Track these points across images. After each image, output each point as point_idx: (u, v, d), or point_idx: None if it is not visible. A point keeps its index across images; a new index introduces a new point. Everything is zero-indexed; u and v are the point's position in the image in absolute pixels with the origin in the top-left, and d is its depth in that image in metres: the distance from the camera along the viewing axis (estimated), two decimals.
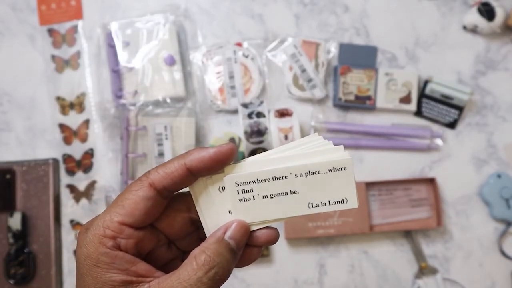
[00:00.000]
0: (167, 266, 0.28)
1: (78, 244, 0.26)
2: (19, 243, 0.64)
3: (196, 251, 0.26)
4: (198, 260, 0.25)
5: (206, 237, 0.27)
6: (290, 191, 0.27)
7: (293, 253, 0.66)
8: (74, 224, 0.67)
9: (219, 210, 0.28)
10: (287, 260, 0.66)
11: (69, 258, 0.66)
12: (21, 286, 0.64)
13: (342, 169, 0.26)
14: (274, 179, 0.27)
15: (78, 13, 0.70)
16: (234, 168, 0.27)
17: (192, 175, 0.27)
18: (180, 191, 0.28)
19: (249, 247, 0.28)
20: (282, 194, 0.27)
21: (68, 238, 0.66)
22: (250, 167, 0.27)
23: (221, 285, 0.25)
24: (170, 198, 0.28)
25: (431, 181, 0.67)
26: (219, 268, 0.25)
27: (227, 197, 0.27)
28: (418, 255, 0.66)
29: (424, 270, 0.66)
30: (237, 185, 0.27)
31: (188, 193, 0.28)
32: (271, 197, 0.27)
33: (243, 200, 0.27)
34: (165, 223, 0.28)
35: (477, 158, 0.69)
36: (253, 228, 0.28)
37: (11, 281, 0.63)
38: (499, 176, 0.67)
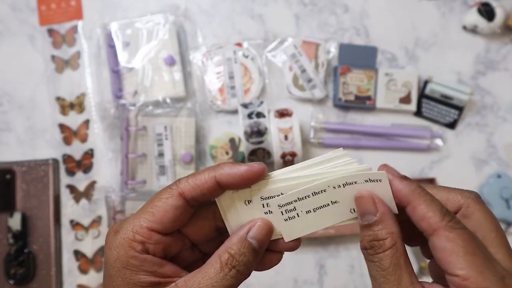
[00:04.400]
0: (191, 267, 0.28)
1: (107, 246, 0.27)
2: (19, 243, 0.64)
3: (220, 250, 0.27)
4: (222, 258, 0.26)
5: None
6: (331, 201, 0.27)
7: (293, 253, 0.66)
8: (74, 224, 0.67)
9: (244, 221, 0.28)
10: (287, 260, 0.66)
11: (69, 259, 0.66)
12: (21, 286, 0.64)
13: (378, 180, 0.27)
14: (314, 194, 0.27)
15: (78, 13, 0.70)
16: (264, 185, 0.28)
17: (220, 188, 0.27)
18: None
19: (270, 252, 0.29)
20: (324, 206, 0.28)
21: (68, 238, 0.66)
22: (278, 184, 0.28)
23: (243, 281, 0.26)
24: (197, 206, 0.29)
25: (431, 181, 0.67)
26: (241, 267, 0.26)
27: (255, 211, 0.28)
28: (418, 255, 0.66)
29: (424, 270, 0.66)
30: (280, 207, 0.28)
31: (214, 202, 0.29)
32: (314, 211, 0.28)
33: (288, 220, 0.28)
34: (191, 229, 0.29)
35: (477, 158, 0.69)
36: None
37: (11, 281, 0.63)
38: (499, 176, 0.67)
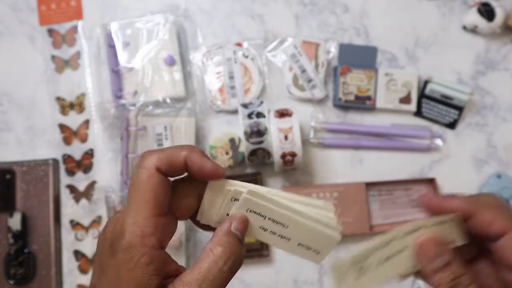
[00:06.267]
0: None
1: (118, 250, 0.25)
2: (19, 244, 0.64)
3: (210, 245, 0.27)
4: (215, 252, 0.26)
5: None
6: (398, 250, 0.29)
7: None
8: (74, 224, 0.67)
9: (221, 213, 0.29)
10: (287, 260, 0.66)
11: (69, 259, 0.66)
12: (21, 286, 0.64)
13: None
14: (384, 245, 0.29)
15: (78, 13, 0.70)
16: (256, 194, 0.29)
17: (186, 170, 0.28)
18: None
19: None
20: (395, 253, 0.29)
21: (68, 238, 0.66)
22: (267, 203, 0.29)
23: (236, 272, 0.27)
24: (179, 183, 0.29)
25: (431, 181, 0.67)
26: (235, 257, 0.27)
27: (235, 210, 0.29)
28: None
29: None
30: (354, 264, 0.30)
31: (193, 179, 0.29)
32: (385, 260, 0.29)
33: (359, 277, 0.30)
34: (179, 207, 0.29)
35: (477, 158, 0.69)
36: None
37: (11, 282, 0.63)
38: (499, 176, 0.67)
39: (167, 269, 0.26)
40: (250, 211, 0.29)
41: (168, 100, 0.66)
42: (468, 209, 0.28)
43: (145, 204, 0.26)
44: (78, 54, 0.69)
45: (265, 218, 0.29)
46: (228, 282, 0.26)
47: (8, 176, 0.65)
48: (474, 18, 0.68)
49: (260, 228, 0.29)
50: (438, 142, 0.69)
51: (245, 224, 0.29)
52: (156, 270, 0.25)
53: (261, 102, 0.63)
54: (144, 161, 0.27)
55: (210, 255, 0.26)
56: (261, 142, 0.60)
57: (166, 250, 0.28)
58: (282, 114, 0.62)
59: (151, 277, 0.25)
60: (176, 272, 0.27)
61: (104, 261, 0.26)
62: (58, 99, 0.69)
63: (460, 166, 0.69)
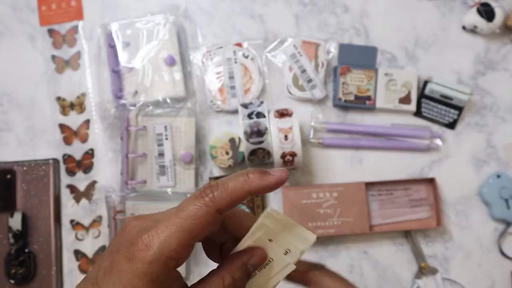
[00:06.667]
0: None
1: (137, 259, 0.25)
2: (20, 243, 0.64)
3: (223, 272, 0.28)
4: (226, 282, 0.27)
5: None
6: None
7: None
8: (75, 224, 0.67)
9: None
10: None
11: (69, 258, 0.66)
12: (21, 286, 0.64)
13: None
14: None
15: (78, 14, 0.70)
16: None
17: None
18: None
19: None
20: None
21: (69, 238, 0.66)
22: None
23: None
24: None
25: (430, 181, 0.67)
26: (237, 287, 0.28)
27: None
28: (418, 255, 0.66)
29: (424, 270, 0.66)
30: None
31: None
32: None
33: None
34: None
35: (477, 158, 0.69)
36: None
37: (12, 281, 0.63)
38: (498, 176, 0.67)
39: (175, 286, 0.27)
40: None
41: (168, 100, 0.66)
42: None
43: (186, 233, 0.26)
44: (78, 54, 0.70)
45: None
46: None
47: (8, 176, 0.65)
48: (473, 18, 0.68)
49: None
50: (438, 142, 0.69)
51: (262, 261, 0.29)
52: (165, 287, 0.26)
53: (261, 102, 0.63)
54: (206, 193, 0.27)
55: (220, 282, 0.27)
56: (261, 142, 0.61)
57: None
58: (282, 114, 0.62)
59: None
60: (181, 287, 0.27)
61: (116, 261, 0.25)
62: (59, 99, 0.69)
63: (459, 166, 0.69)
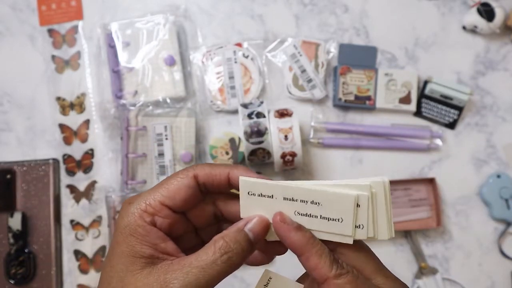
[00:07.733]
0: (191, 250, 0.30)
1: (120, 215, 0.29)
2: (19, 243, 0.64)
3: (217, 236, 0.28)
4: (216, 244, 0.27)
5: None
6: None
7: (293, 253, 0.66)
8: (74, 224, 0.67)
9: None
10: (287, 260, 0.66)
11: (69, 258, 0.66)
12: (21, 286, 0.64)
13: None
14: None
15: (78, 14, 0.70)
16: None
17: (229, 186, 0.30)
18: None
19: (279, 243, 0.30)
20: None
21: (68, 238, 0.66)
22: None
23: (234, 270, 0.27)
24: (205, 193, 0.31)
25: (430, 181, 0.67)
26: (233, 254, 0.27)
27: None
28: (418, 255, 0.66)
29: (424, 270, 0.66)
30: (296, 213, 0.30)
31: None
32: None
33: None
34: (195, 212, 0.31)
35: (477, 158, 0.69)
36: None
37: (12, 281, 0.63)
38: (498, 176, 0.67)
39: (164, 246, 0.28)
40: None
41: (168, 100, 0.66)
42: (300, 248, 0.29)
43: (163, 192, 0.29)
44: (78, 54, 0.70)
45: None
46: (222, 276, 0.27)
47: (8, 176, 0.65)
48: (473, 18, 0.68)
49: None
50: (438, 142, 0.69)
51: (262, 226, 0.29)
52: (150, 242, 0.27)
53: (261, 102, 0.63)
54: (191, 167, 0.30)
55: (211, 247, 0.27)
56: (261, 142, 0.61)
57: None
58: (282, 114, 0.62)
59: (143, 246, 0.27)
60: (174, 252, 0.28)
61: (114, 236, 0.29)
62: (59, 99, 0.69)
63: (459, 166, 0.69)
